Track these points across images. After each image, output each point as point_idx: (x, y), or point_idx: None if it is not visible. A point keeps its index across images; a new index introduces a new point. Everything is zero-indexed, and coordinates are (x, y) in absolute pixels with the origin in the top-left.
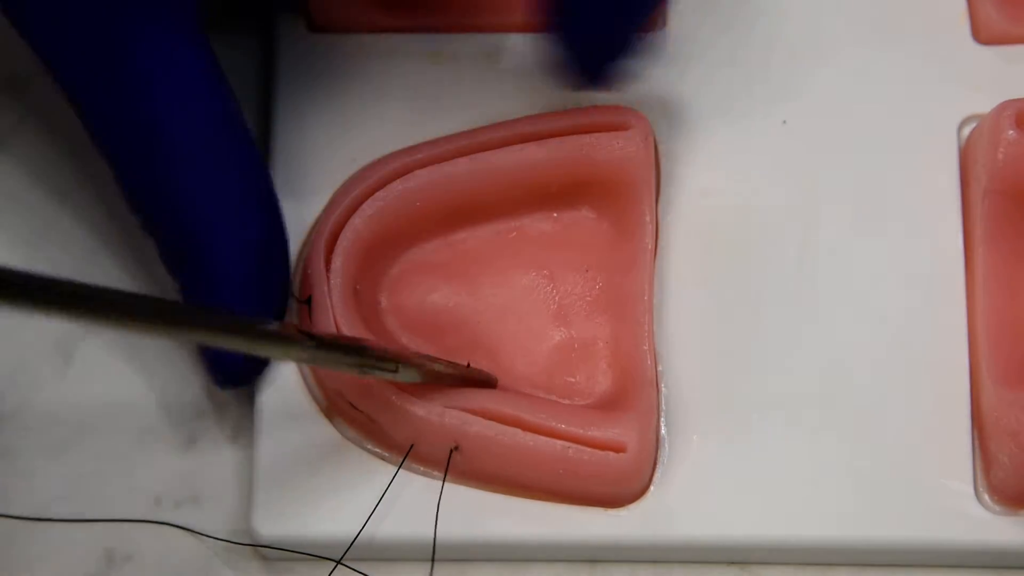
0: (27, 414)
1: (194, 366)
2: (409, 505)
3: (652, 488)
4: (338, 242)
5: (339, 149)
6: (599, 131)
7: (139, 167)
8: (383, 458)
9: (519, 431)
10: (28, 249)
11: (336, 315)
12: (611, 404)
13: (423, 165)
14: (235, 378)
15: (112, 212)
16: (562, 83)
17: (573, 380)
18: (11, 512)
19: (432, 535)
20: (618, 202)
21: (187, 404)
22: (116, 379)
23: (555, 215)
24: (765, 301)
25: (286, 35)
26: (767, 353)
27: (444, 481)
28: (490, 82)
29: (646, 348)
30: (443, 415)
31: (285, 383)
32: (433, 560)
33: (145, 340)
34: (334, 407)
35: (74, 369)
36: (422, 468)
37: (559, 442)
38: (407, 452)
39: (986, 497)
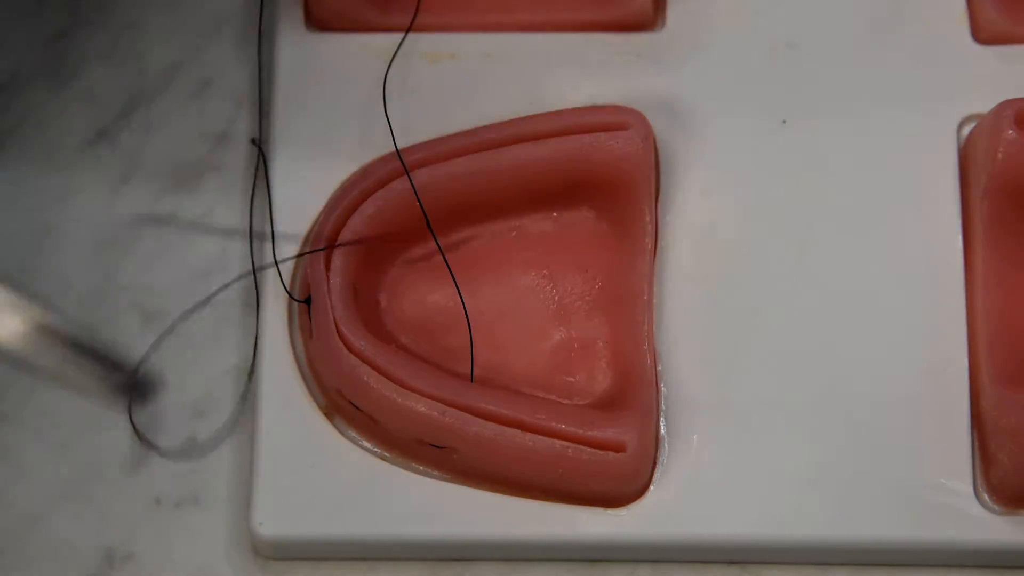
0: (27, 414)
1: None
2: (409, 505)
3: (652, 487)
4: (338, 241)
5: (339, 149)
6: (598, 131)
7: None
8: (383, 457)
9: (518, 431)
10: (28, 249)
11: (336, 315)
12: (611, 404)
13: (423, 165)
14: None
15: (112, 212)
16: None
17: (573, 380)
18: (11, 512)
19: (432, 535)
20: (617, 202)
21: (187, 404)
22: None
23: (555, 215)
24: (765, 300)
25: (286, 34)
26: (767, 353)
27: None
28: (490, 82)
29: (646, 348)
30: (444, 414)
31: (285, 383)
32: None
33: (144, 338)
34: (334, 407)
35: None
36: (422, 468)
37: (559, 442)
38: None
39: (986, 497)
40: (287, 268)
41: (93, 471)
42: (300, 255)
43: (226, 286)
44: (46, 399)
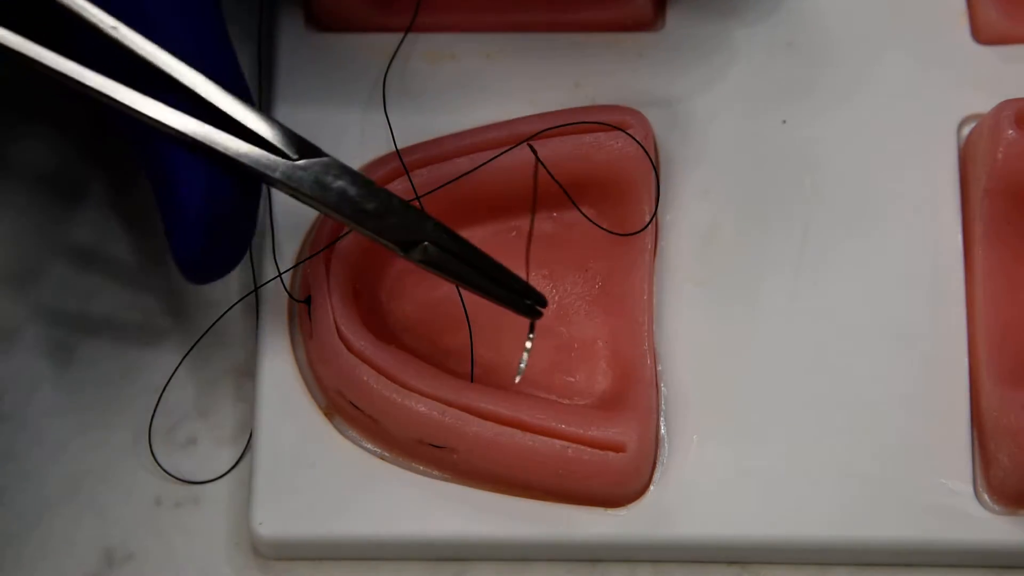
0: (27, 414)
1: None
2: (409, 505)
3: (652, 487)
4: (338, 243)
5: (339, 149)
6: (598, 131)
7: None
8: (383, 457)
9: (518, 431)
10: (28, 249)
11: (336, 315)
12: (611, 404)
13: (423, 165)
14: (204, 269)
15: (111, 211)
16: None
17: (573, 380)
18: (11, 512)
19: (432, 535)
20: (617, 201)
21: (187, 404)
22: (116, 379)
23: (555, 215)
24: (764, 300)
25: (286, 34)
26: (767, 352)
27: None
28: (490, 82)
29: (646, 348)
30: (444, 414)
31: (285, 383)
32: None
33: (144, 339)
34: (334, 407)
35: (74, 369)
36: (422, 468)
37: (559, 442)
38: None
39: (985, 497)
40: (287, 266)
41: (93, 471)
42: (300, 262)
43: (241, 299)
44: (46, 399)
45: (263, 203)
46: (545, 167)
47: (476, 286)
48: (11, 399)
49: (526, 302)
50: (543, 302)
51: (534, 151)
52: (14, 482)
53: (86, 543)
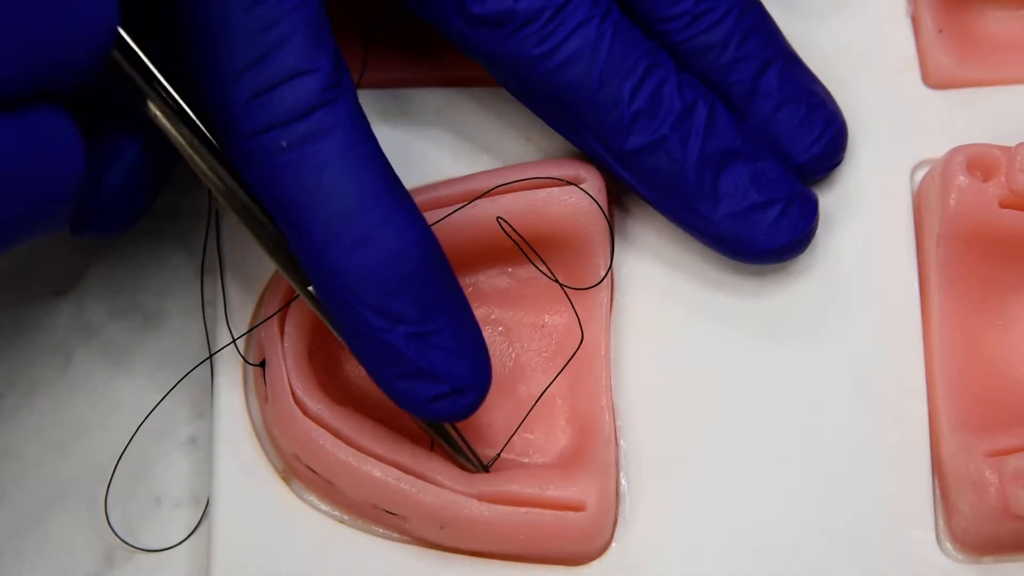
0: (27, 414)
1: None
2: (368, 568)
3: (613, 544)
4: (291, 305)
5: None
6: (552, 185)
7: None
8: (341, 521)
9: (474, 501)
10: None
11: (291, 378)
12: (570, 460)
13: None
14: (95, 224)
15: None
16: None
17: (531, 436)
18: (11, 512)
19: None
20: (573, 256)
21: (187, 404)
22: (116, 379)
23: (510, 270)
24: (722, 352)
25: None
26: (725, 404)
27: None
28: (443, 138)
29: (604, 403)
30: (399, 480)
31: (241, 447)
32: None
33: (143, 339)
34: (291, 470)
35: (74, 369)
36: (381, 531)
37: (517, 509)
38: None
39: (948, 545)
40: (240, 331)
41: (93, 471)
42: (254, 326)
43: (195, 367)
44: (46, 399)
45: (216, 269)
46: (511, 227)
47: (443, 439)
48: (11, 399)
49: (473, 463)
50: (484, 470)
51: (502, 223)
52: (14, 482)
53: (86, 543)
